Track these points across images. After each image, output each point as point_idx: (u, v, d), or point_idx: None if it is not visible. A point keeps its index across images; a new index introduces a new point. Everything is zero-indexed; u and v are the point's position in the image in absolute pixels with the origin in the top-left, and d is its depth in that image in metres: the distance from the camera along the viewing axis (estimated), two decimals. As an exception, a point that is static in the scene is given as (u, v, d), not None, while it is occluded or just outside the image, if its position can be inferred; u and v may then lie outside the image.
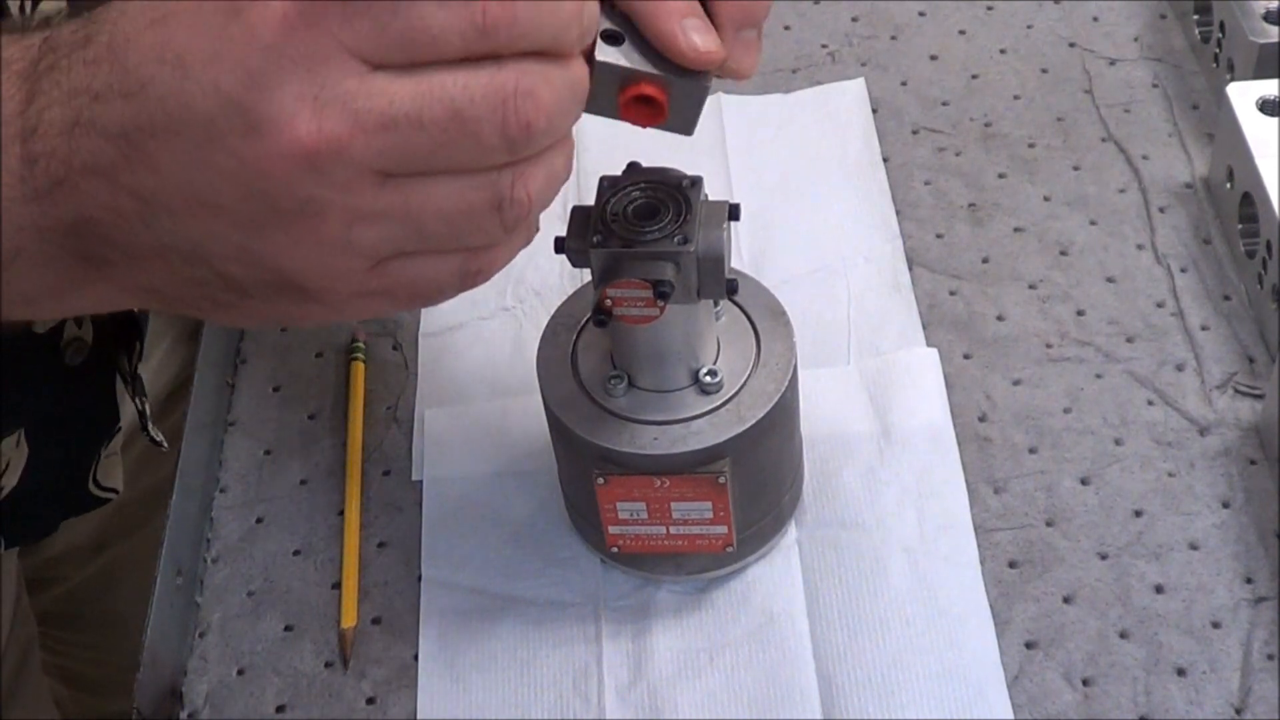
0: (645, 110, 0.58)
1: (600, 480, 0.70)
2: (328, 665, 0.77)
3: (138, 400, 0.86)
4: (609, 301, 0.66)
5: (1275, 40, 0.90)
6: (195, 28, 0.45)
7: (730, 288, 0.67)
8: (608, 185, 0.68)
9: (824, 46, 1.04)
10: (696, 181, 0.67)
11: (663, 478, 0.70)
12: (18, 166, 0.47)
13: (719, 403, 0.70)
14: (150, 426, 0.87)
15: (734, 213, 0.67)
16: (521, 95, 0.46)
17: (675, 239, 0.65)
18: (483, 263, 0.51)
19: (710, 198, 0.68)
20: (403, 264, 0.49)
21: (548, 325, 0.74)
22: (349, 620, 0.77)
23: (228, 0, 0.44)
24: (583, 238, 0.66)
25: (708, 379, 0.70)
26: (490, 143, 0.46)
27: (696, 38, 0.55)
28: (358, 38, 0.44)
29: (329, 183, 0.45)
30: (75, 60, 0.47)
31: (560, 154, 0.50)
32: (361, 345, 0.89)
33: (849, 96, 1.00)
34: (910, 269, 0.90)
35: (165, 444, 0.87)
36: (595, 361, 0.72)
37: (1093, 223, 0.91)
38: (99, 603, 1.05)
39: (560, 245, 0.67)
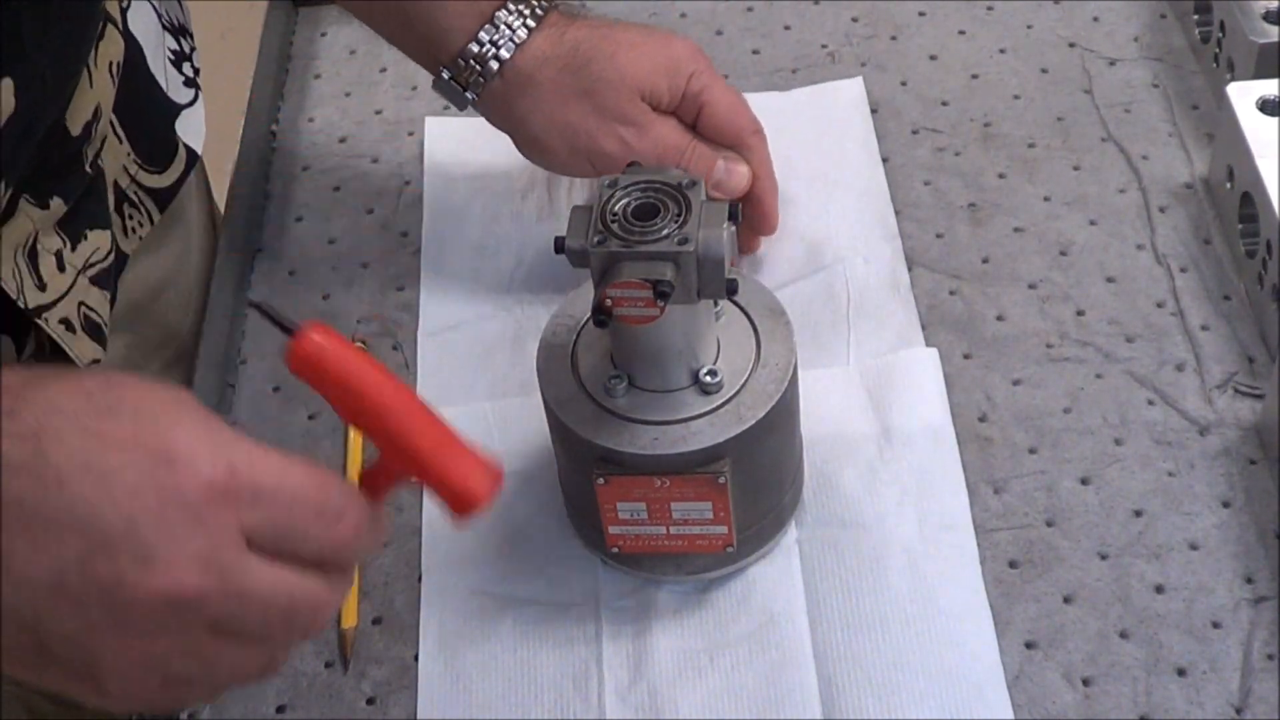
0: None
1: (600, 480, 0.70)
2: (328, 665, 0.77)
3: None
4: (609, 301, 0.66)
5: (1275, 40, 0.89)
6: (127, 458, 0.52)
7: (730, 288, 0.67)
8: (607, 185, 0.68)
9: (824, 46, 1.04)
10: (696, 182, 0.67)
11: (663, 478, 0.70)
12: None
13: (719, 403, 0.70)
14: None
15: (734, 213, 0.67)
16: (328, 607, 0.57)
17: (675, 239, 0.65)
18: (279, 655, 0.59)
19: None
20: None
21: (548, 325, 0.74)
22: (349, 620, 0.77)
23: (162, 446, 0.52)
24: (583, 238, 0.66)
25: (708, 379, 0.70)
26: (297, 633, 0.57)
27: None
28: (252, 522, 0.53)
29: (177, 622, 0.53)
30: None
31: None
32: (362, 345, 0.89)
33: (847, 95, 1.00)
34: (910, 269, 0.90)
35: None
36: (595, 361, 0.72)
37: (1093, 223, 0.91)
38: None
39: (560, 245, 0.67)
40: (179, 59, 0.88)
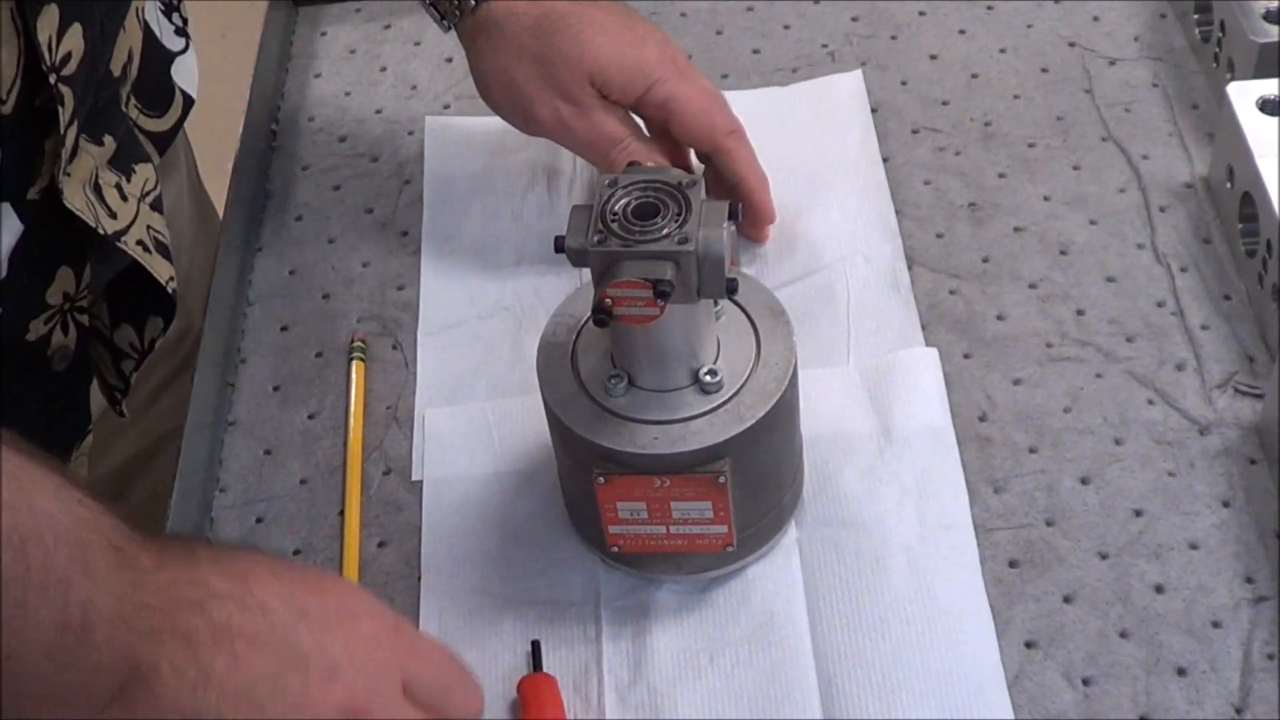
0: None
1: (600, 480, 0.70)
2: (328, 665, 0.77)
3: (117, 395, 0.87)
4: (609, 301, 0.66)
5: (1275, 40, 0.89)
6: (318, 601, 0.62)
7: (730, 287, 0.67)
8: (607, 185, 0.68)
9: (824, 46, 1.04)
10: (696, 181, 0.67)
11: (663, 477, 0.70)
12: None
13: (719, 402, 0.70)
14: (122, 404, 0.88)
15: (734, 212, 0.67)
16: None
17: (675, 238, 0.65)
18: None
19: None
20: None
21: (548, 325, 0.74)
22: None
23: (347, 598, 0.63)
24: (583, 237, 0.66)
25: (708, 378, 0.70)
26: None
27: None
28: (412, 669, 0.63)
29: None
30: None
31: None
32: (361, 344, 0.89)
33: (846, 89, 1.00)
34: (910, 268, 0.90)
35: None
36: (595, 361, 0.72)
37: (1093, 223, 0.91)
38: None
39: (560, 245, 0.67)
40: (168, 9, 0.91)
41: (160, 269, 0.81)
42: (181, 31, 0.91)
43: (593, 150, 0.89)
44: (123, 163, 0.80)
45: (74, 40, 0.70)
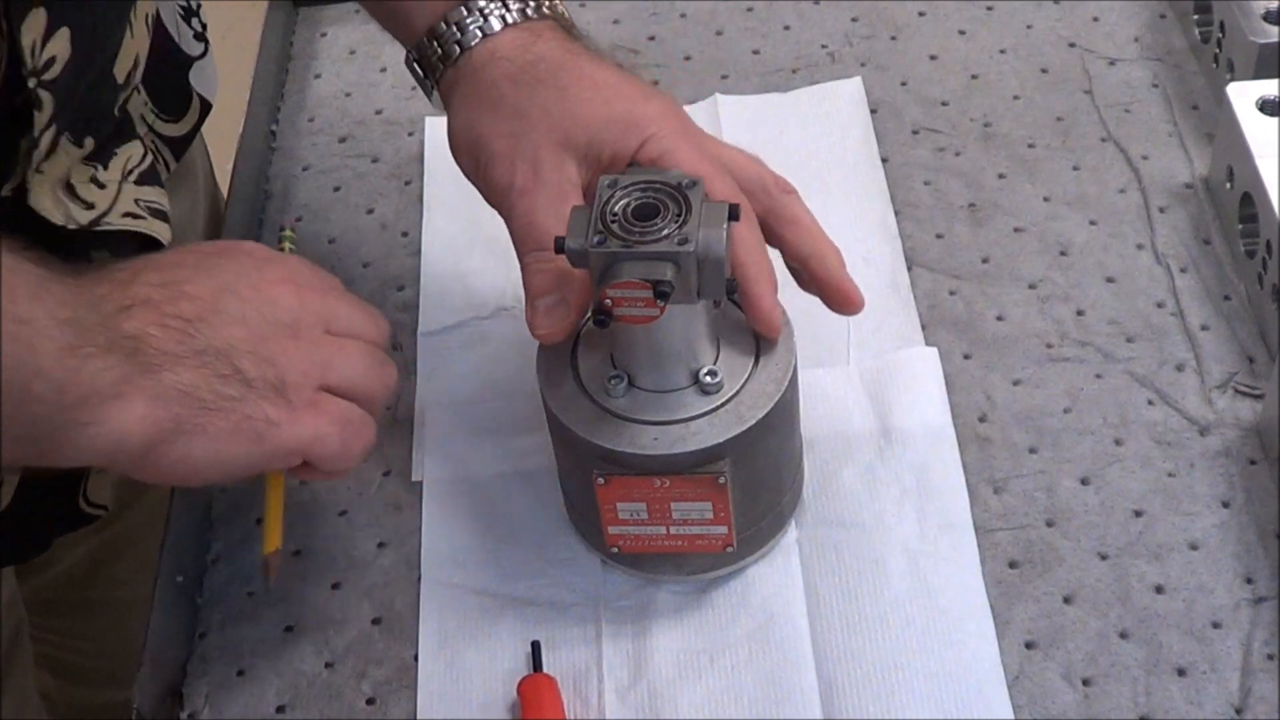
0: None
1: (600, 480, 0.70)
2: (328, 665, 0.77)
3: None
4: (609, 302, 0.66)
5: (1275, 40, 0.90)
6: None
7: (730, 288, 0.67)
8: (607, 185, 0.68)
9: (824, 47, 1.04)
10: (696, 182, 0.67)
11: (663, 478, 0.70)
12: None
13: (719, 403, 0.70)
14: None
15: (734, 213, 0.67)
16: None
17: (675, 239, 0.65)
18: (372, 425, 0.72)
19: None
20: (331, 398, 0.70)
21: (548, 325, 0.74)
22: (272, 544, 0.73)
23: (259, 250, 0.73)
24: (582, 238, 0.66)
25: (708, 379, 0.70)
26: (377, 332, 0.74)
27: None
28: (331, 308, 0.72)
29: (308, 313, 0.70)
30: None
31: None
32: (291, 234, 0.89)
33: (846, 95, 1.00)
34: (910, 269, 0.90)
35: None
36: (595, 361, 0.72)
37: (1093, 223, 0.91)
38: (88, 588, 1.05)
39: (560, 245, 0.67)
40: (187, 14, 0.90)
41: (159, 230, 0.79)
42: (200, 36, 0.90)
43: (516, 241, 0.74)
44: (101, 156, 0.78)
45: (60, 45, 0.69)
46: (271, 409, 0.67)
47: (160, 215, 0.80)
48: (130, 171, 0.80)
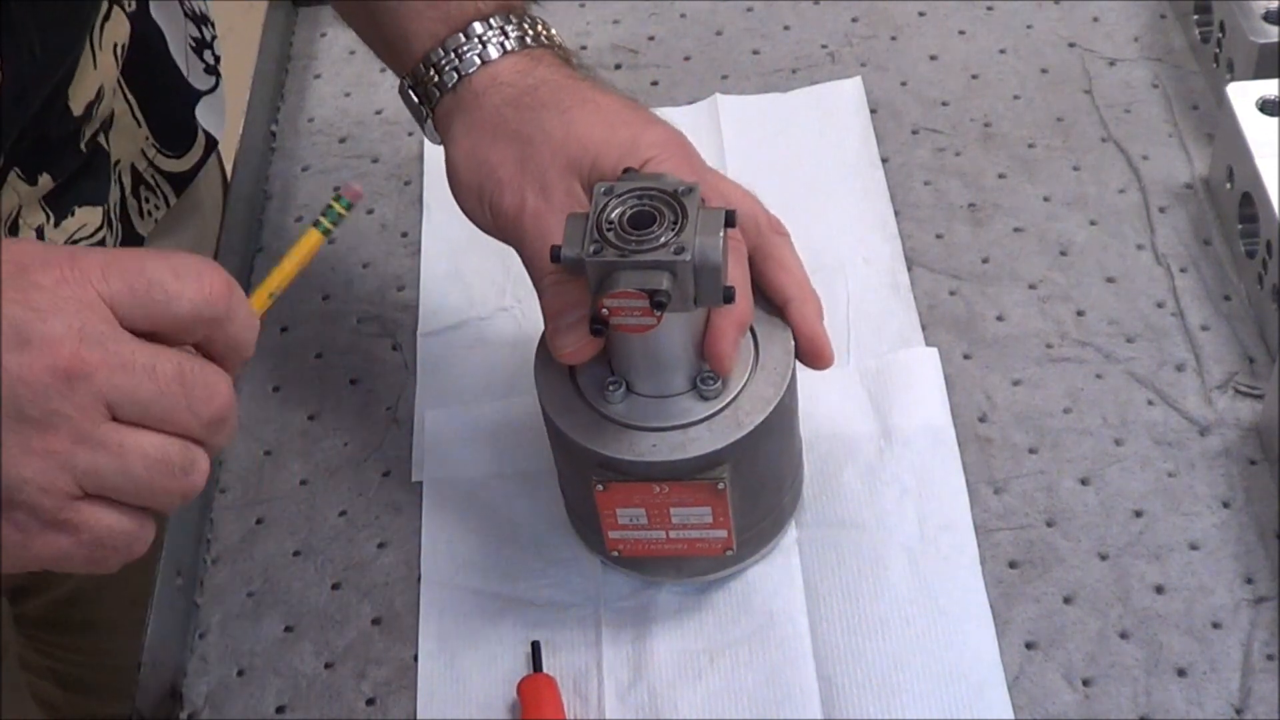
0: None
1: (600, 486, 0.70)
2: (328, 665, 0.77)
3: None
4: (605, 311, 0.65)
5: (1275, 40, 0.89)
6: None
7: (727, 295, 0.66)
8: (603, 192, 0.67)
9: (824, 47, 1.04)
10: (692, 188, 0.66)
11: (662, 484, 0.69)
12: None
13: (718, 408, 0.70)
14: None
15: (729, 219, 0.65)
16: (225, 386, 0.57)
17: (671, 248, 0.64)
18: (147, 534, 0.58)
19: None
20: (96, 508, 0.56)
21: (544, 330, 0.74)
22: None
23: (17, 255, 0.55)
24: (578, 247, 0.65)
25: (706, 384, 0.70)
26: (198, 410, 0.56)
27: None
28: (111, 291, 0.54)
29: (71, 402, 0.54)
30: None
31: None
32: (339, 212, 0.71)
33: (846, 95, 1.00)
34: (910, 269, 0.90)
35: None
36: (593, 368, 0.72)
37: (1093, 223, 0.91)
38: (89, 606, 1.05)
39: (556, 254, 0.66)
40: (200, 46, 0.88)
41: None
42: (212, 70, 0.88)
43: (530, 266, 0.72)
44: (60, 203, 0.74)
45: None
46: (4, 527, 0.55)
47: None
48: (76, 241, 0.76)
